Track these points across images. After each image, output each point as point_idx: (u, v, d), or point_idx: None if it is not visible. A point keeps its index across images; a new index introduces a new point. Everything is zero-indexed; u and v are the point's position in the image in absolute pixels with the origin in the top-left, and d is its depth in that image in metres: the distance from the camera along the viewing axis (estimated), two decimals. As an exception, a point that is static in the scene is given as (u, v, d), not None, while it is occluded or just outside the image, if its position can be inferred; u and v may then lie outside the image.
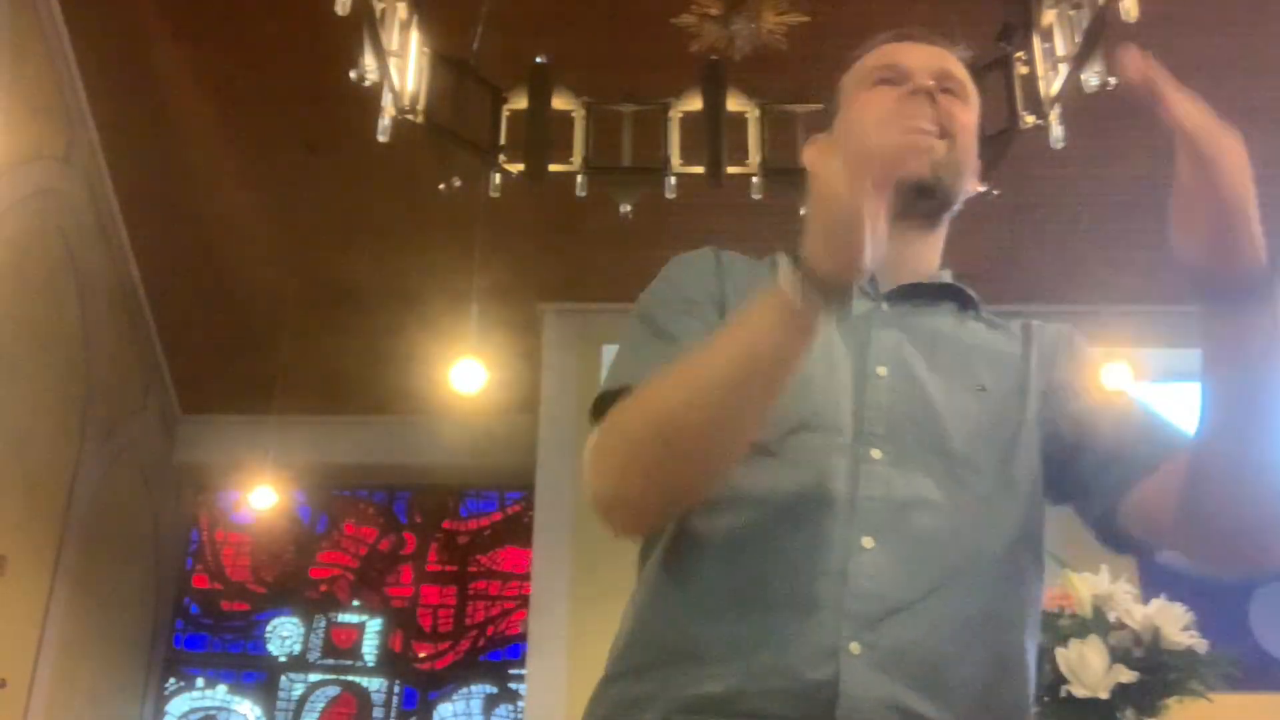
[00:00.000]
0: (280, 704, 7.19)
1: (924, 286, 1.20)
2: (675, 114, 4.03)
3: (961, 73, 1.26)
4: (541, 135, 3.96)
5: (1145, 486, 1.08)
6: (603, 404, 1.09)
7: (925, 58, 1.25)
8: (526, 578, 6.81)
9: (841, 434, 1.06)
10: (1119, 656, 2.26)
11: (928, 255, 1.23)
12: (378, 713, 7.16)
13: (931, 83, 1.20)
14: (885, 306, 1.17)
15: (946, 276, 1.24)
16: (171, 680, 7.30)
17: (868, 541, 1.00)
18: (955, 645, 0.99)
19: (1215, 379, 0.97)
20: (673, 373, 1.01)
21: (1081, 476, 1.14)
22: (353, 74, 3.40)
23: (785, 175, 3.99)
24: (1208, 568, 1.08)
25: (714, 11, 3.98)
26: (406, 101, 3.61)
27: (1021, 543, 1.09)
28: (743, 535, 1.02)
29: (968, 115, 1.22)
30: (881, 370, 1.10)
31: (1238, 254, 0.89)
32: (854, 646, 0.96)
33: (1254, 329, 0.91)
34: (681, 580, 1.05)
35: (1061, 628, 2.31)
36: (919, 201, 1.18)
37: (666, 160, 3.98)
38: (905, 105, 1.19)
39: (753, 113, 4.00)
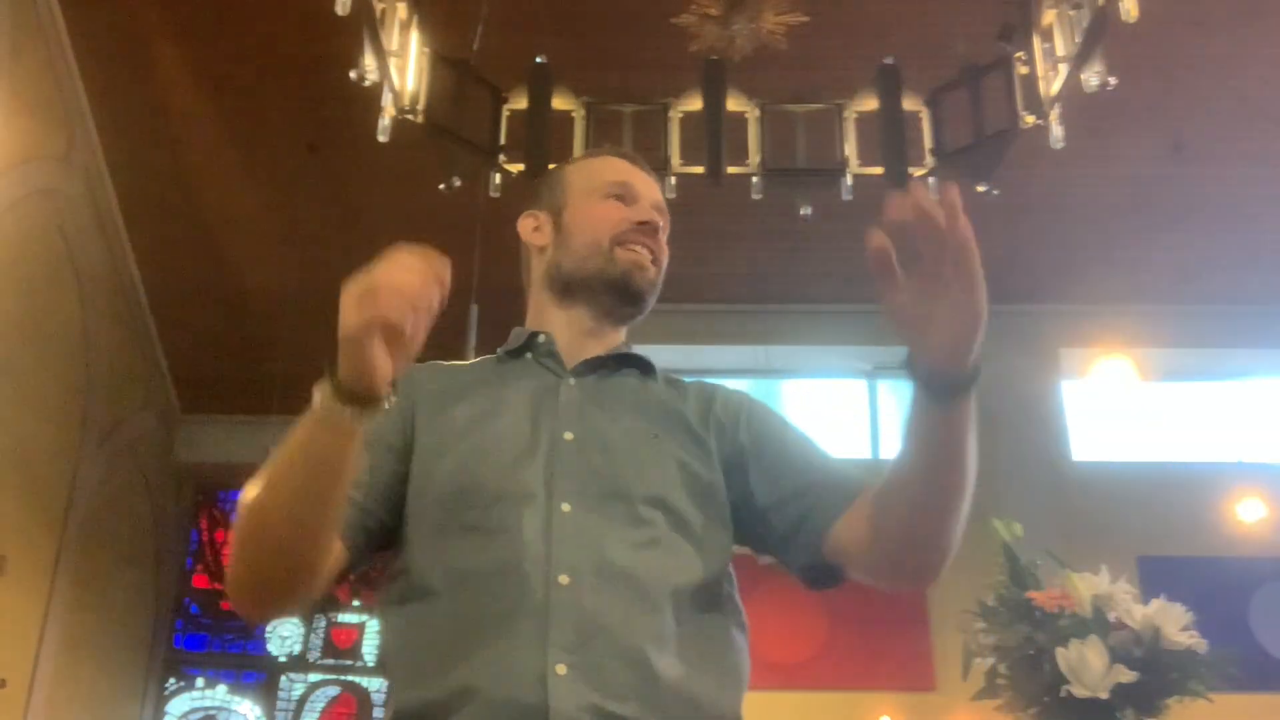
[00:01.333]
0: (280, 704, 7.20)
1: (605, 359, 1.36)
2: (675, 114, 4.03)
3: (666, 208, 1.45)
4: (541, 135, 3.96)
5: (837, 526, 1.22)
6: None
7: (651, 189, 1.44)
8: (526, 578, 6.81)
9: (535, 496, 1.20)
10: (1119, 656, 2.25)
11: (614, 343, 1.40)
12: (378, 713, 7.16)
13: (659, 219, 1.40)
14: (571, 381, 1.33)
15: (625, 348, 1.40)
16: (171, 680, 7.30)
17: (564, 579, 1.14)
18: (650, 656, 1.12)
19: (915, 451, 1.11)
20: (261, 473, 1.18)
21: (780, 533, 1.27)
22: (353, 74, 3.40)
23: (785, 175, 3.99)
24: (883, 583, 1.24)
25: (714, 11, 3.98)
26: (406, 101, 3.61)
27: (705, 561, 1.22)
28: (457, 598, 1.16)
29: (666, 250, 1.42)
30: (568, 435, 1.25)
31: (967, 358, 1.03)
32: (560, 668, 1.09)
33: (961, 415, 1.06)
34: (407, 654, 1.18)
35: (1061, 628, 2.31)
36: (626, 309, 1.38)
37: (667, 160, 3.98)
38: (634, 232, 1.37)
39: (753, 113, 3.99)
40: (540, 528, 1.17)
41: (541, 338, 1.37)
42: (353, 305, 1.12)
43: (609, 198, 1.41)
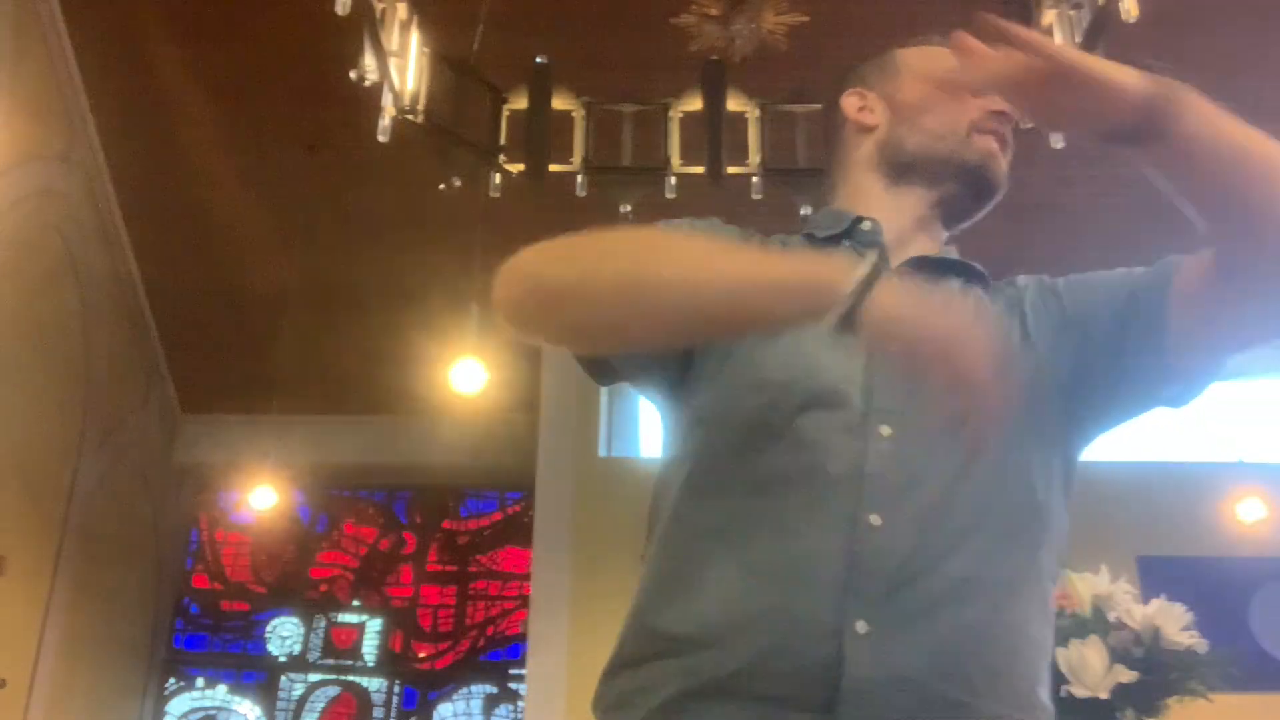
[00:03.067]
0: (280, 704, 7.19)
1: (931, 260, 1.21)
2: (675, 114, 4.03)
3: None
4: (541, 135, 3.95)
5: (1179, 293, 1.09)
6: None
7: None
8: (526, 578, 6.81)
9: (850, 410, 1.04)
10: (1119, 656, 2.26)
11: (939, 239, 1.26)
12: (378, 713, 7.16)
13: (1009, 109, 1.23)
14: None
15: (953, 253, 1.26)
16: (171, 680, 7.30)
17: (875, 519, 1.00)
18: (966, 626, 0.98)
19: (1181, 191, 1.00)
20: (662, 238, 1.03)
21: (1122, 344, 1.13)
22: (353, 74, 3.40)
23: (785, 175, 3.98)
24: (1259, 277, 1.05)
25: (714, 11, 3.97)
26: (406, 101, 3.61)
27: (1035, 514, 1.08)
28: (748, 517, 1.02)
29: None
30: None
31: (1104, 105, 0.93)
32: (860, 625, 0.96)
33: (1182, 142, 0.94)
34: (684, 564, 1.05)
35: (1061, 628, 2.31)
36: (970, 203, 1.25)
37: (666, 160, 3.98)
38: (993, 120, 1.23)
39: (753, 113, 3.99)
40: (854, 453, 1.02)
41: (867, 224, 1.21)
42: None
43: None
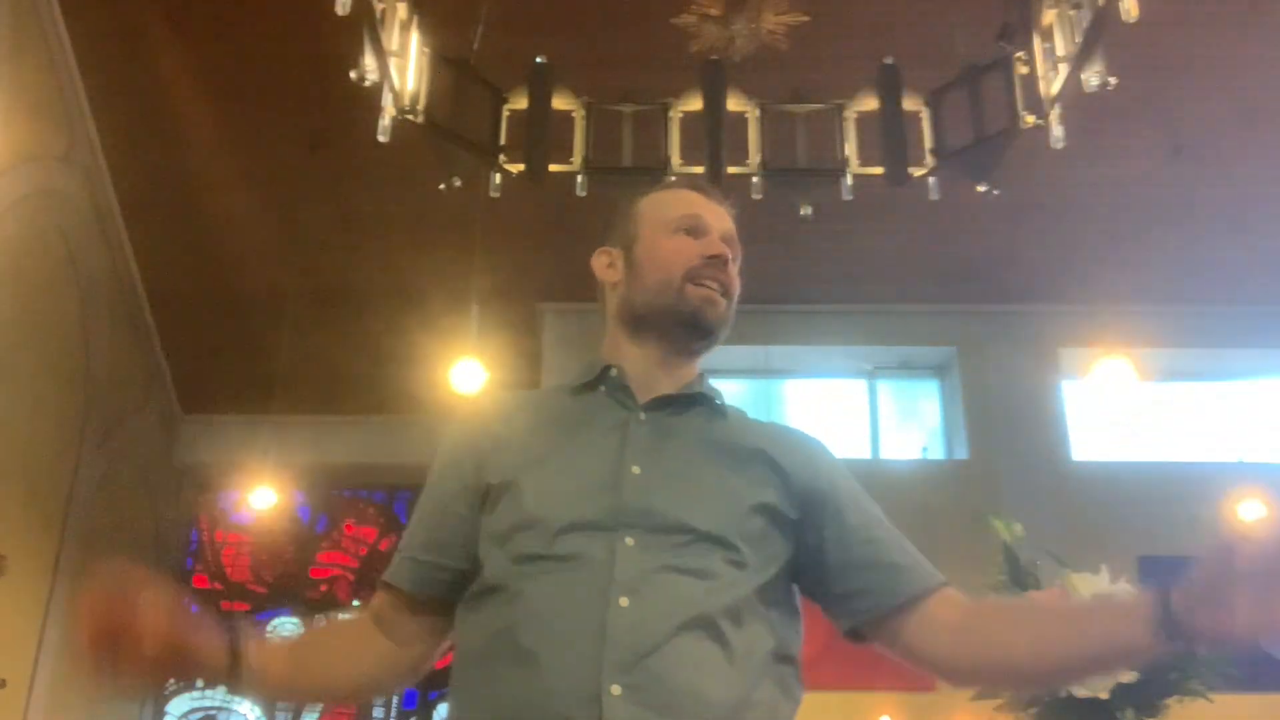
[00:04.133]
0: (280, 704, 7.19)
1: (676, 397, 1.38)
2: (675, 114, 4.03)
3: (736, 236, 1.46)
4: (541, 135, 3.95)
5: (901, 617, 1.27)
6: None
7: (721, 220, 1.45)
8: (526, 578, 6.81)
9: (601, 527, 1.23)
10: (1119, 656, 2.25)
11: (686, 375, 1.42)
12: (378, 713, 7.16)
13: (729, 251, 1.41)
14: (642, 416, 1.35)
15: (701, 386, 1.42)
16: (171, 680, 7.30)
17: (624, 601, 1.17)
18: (700, 677, 1.15)
19: (1093, 644, 1.20)
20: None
21: (836, 594, 1.31)
22: (353, 74, 3.40)
23: (785, 175, 3.98)
24: (943, 678, 1.31)
25: (714, 11, 3.97)
26: (406, 101, 3.61)
27: (759, 595, 1.25)
28: (515, 618, 1.20)
29: (738, 279, 1.44)
30: (635, 469, 1.28)
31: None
32: (614, 689, 1.12)
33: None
34: (470, 665, 1.24)
35: (1062, 628, 2.31)
36: (697, 343, 1.40)
37: (666, 160, 3.98)
38: (705, 267, 1.39)
39: (753, 113, 3.99)
40: (604, 557, 1.21)
41: (614, 371, 1.40)
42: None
43: (678, 232, 1.42)
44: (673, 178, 1.53)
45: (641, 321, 1.40)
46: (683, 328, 1.39)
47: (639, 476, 1.28)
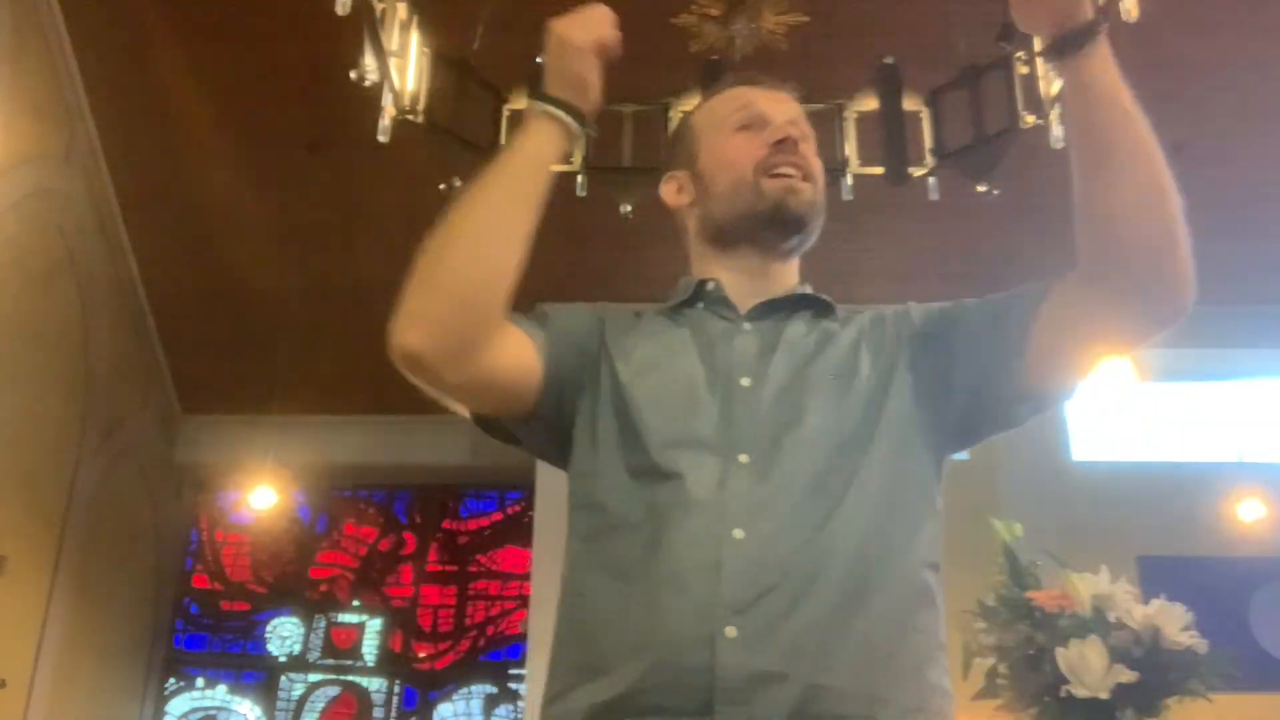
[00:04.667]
0: (280, 704, 7.20)
1: (779, 301, 1.30)
2: (675, 114, 4.02)
3: (805, 117, 1.38)
4: (541, 135, 3.95)
5: (1039, 319, 1.19)
6: None
7: (780, 105, 1.36)
8: (526, 578, 6.82)
9: (710, 445, 1.15)
10: (1119, 656, 2.26)
11: (786, 280, 1.34)
12: (378, 713, 7.16)
13: (796, 131, 1.32)
14: (746, 325, 1.27)
15: (802, 289, 1.33)
16: (171, 680, 7.30)
17: (738, 533, 1.08)
18: (829, 618, 1.05)
19: (1075, 122, 1.19)
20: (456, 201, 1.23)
21: (979, 372, 1.20)
22: (353, 74, 3.39)
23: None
24: (1126, 315, 1.21)
25: (714, 11, 3.97)
26: (407, 101, 3.60)
27: (892, 515, 1.14)
28: (625, 548, 1.12)
29: (818, 159, 1.35)
30: (745, 381, 1.20)
31: (1067, 11, 1.09)
32: (729, 630, 1.03)
33: (1098, 72, 1.12)
34: (578, 599, 1.16)
35: (1061, 628, 2.31)
36: (790, 238, 1.31)
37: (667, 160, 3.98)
38: (775, 155, 1.30)
39: (753, 113, 3.99)
40: (717, 478, 1.12)
41: (710, 285, 1.31)
42: (578, 24, 1.27)
43: (737, 130, 1.33)
44: (723, 81, 1.47)
45: (725, 232, 1.32)
46: (769, 226, 1.29)
47: (749, 389, 1.19)
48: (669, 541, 1.09)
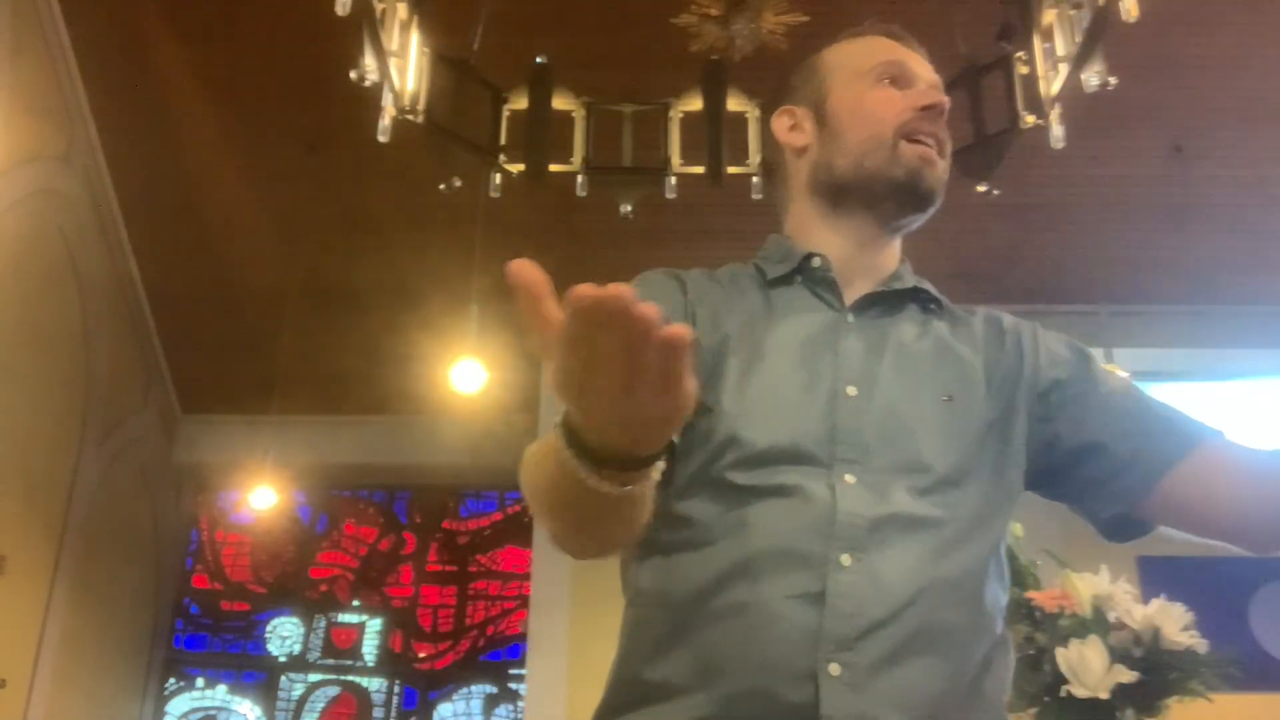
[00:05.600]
0: (280, 704, 7.19)
1: (885, 294, 1.18)
2: (675, 114, 4.03)
3: (941, 84, 1.25)
4: (541, 135, 3.95)
5: (1171, 480, 1.08)
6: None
7: (926, 68, 1.24)
8: (526, 578, 6.81)
9: (814, 460, 1.04)
10: (1119, 656, 2.25)
11: (892, 257, 1.22)
12: (378, 713, 7.16)
13: (945, 100, 1.20)
14: (850, 318, 1.15)
15: (908, 275, 1.22)
16: (171, 680, 7.30)
17: (845, 560, 0.99)
18: (935, 661, 0.98)
19: None
20: (528, 466, 1.00)
21: (1090, 479, 1.13)
22: (353, 74, 3.39)
23: (785, 175, 3.98)
24: (1233, 543, 1.09)
25: (714, 11, 3.97)
26: (406, 101, 3.60)
27: (992, 549, 1.08)
28: (719, 567, 1.01)
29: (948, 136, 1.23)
30: (851, 390, 1.08)
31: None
32: (833, 667, 0.95)
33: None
34: (657, 614, 1.05)
35: (1061, 628, 2.31)
36: (911, 215, 1.19)
37: (666, 160, 3.98)
38: (921, 120, 1.18)
39: (753, 113, 3.99)
40: (820, 498, 1.01)
41: (816, 261, 1.17)
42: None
43: (881, 81, 1.20)
44: (862, 24, 1.30)
45: (844, 191, 1.18)
46: (897, 196, 1.17)
47: (855, 400, 1.07)
48: (765, 563, 1.00)
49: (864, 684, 0.95)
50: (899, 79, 1.20)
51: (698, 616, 1.01)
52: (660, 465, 0.87)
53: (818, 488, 1.02)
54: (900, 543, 1.01)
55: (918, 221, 1.21)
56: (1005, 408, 1.13)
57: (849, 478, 1.03)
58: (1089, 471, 1.13)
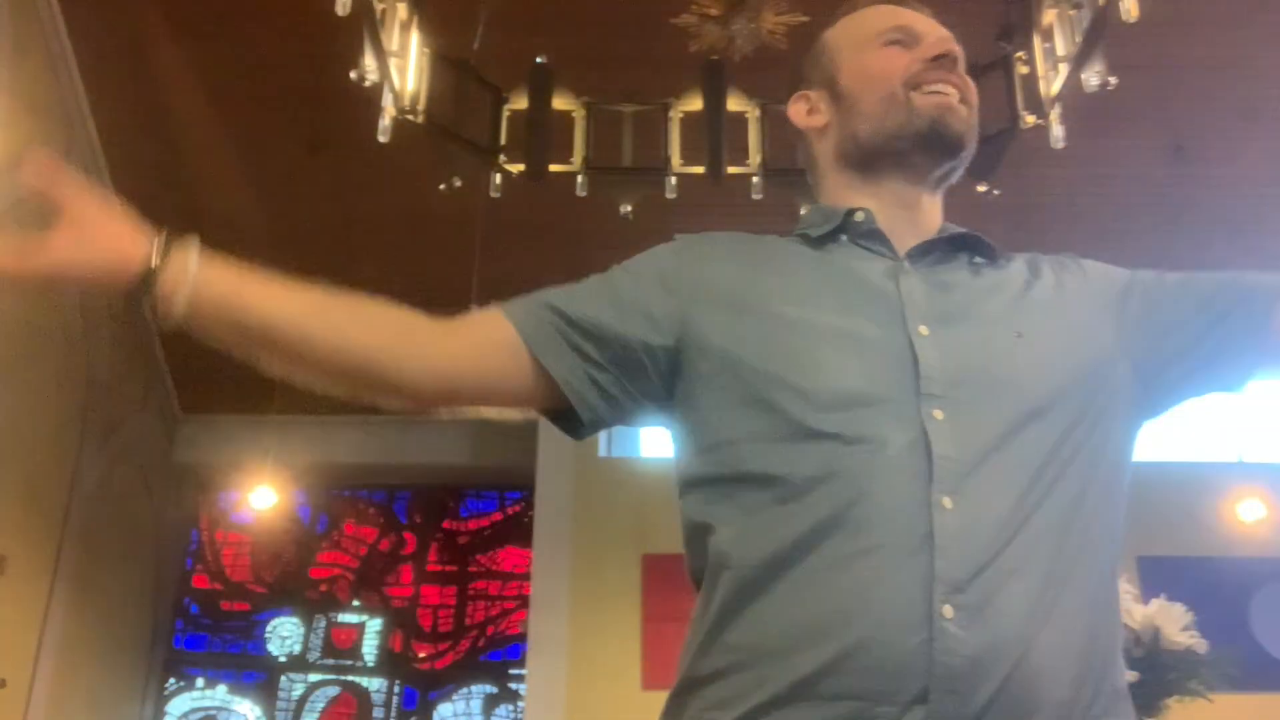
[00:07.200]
0: (280, 704, 7.19)
1: (937, 242, 1.17)
2: (675, 114, 4.03)
3: (954, 39, 1.24)
4: (541, 135, 3.95)
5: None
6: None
7: (932, 24, 1.24)
8: (526, 578, 6.81)
9: (898, 400, 1.02)
10: (1119, 656, 2.25)
11: (936, 214, 1.22)
12: (378, 713, 7.16)
13: (955, 48, 1.19)
14: (908, 266, 1.14)
15: (960, 229, 1.21)
16: (171, 680, 7.30)
17: (947, 502, 0.97)
18: (1044, 597, 0.97)
19: None
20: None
21: (1203, 357, 1.17)
22: (353, 74, 3.40)
23: (785, 175, 3.98)
24: None
25: (714, 11, 3.97)
26: (407, 101, 3.60)
27: (1095, 476, 1.07)
28: (813, 519, 0.99)
29: (973, 85, 1.22)
30: (923, 329, 1.07)
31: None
32: (946, 609, 0.93)
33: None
34: (750, 574, 1.01)
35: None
36: (945, 162, 1.19)
37: (666, 160, 3.98)
38: (931, 70, 1.18)
39: (753, 113, 3.99)
40: (908, 440, 1.00)
41: (859, 215, 1.16)
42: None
43: (886, 45, 1.20)
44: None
45: (872, 154, 1.18)
46: (924, 146, 1.16)
47: (930, 339, 1.05)
48: (864, 513, 0.97)
49: (977, 625, 0.93)
50: (905, 39, 1.21)
51: (795, 574, 0.98)
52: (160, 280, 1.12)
53: (906, 430, 1.01)
54: (996, 479, 1.00)
55: (954, 170, 1.21)
56: (1092, 335, 1.13)
57: (938, 414, 1.01)
58: (1198, 355, 1.16)
